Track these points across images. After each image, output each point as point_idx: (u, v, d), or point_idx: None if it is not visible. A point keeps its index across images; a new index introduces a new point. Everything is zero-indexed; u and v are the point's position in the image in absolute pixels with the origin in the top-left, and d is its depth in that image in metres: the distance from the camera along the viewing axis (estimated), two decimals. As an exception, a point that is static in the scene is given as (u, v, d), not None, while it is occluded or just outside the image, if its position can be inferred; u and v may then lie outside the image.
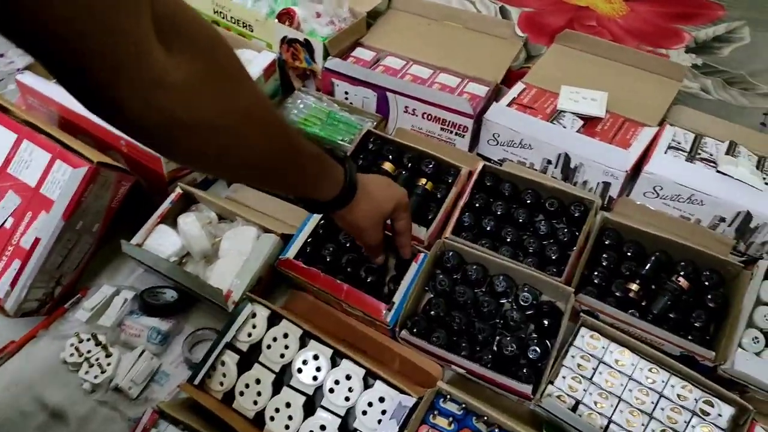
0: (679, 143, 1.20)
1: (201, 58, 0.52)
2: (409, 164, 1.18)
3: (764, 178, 1.11)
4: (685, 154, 1.18)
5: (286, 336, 0.91)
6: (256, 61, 1.29)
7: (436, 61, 1.41)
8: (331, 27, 1.42)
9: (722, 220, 1.12)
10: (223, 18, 1.48)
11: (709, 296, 0.99)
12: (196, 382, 0.89)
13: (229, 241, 1.05)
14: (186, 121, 0.52)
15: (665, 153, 1.17)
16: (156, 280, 1.09)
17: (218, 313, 1.01)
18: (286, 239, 1.06)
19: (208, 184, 1.26)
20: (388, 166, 1.16)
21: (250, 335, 0.92)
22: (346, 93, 1.36)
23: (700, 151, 1.18)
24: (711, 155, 1.17)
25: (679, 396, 0.88)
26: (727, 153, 1.16)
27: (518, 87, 1.36)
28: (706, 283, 1.01)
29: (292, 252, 1.04)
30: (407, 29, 1.50)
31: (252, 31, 1.46)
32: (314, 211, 0.85)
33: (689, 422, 0.87)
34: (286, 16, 1.45)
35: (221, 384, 0.90)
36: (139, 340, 1.00)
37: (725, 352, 0.91)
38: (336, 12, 1.45)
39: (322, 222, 1.09)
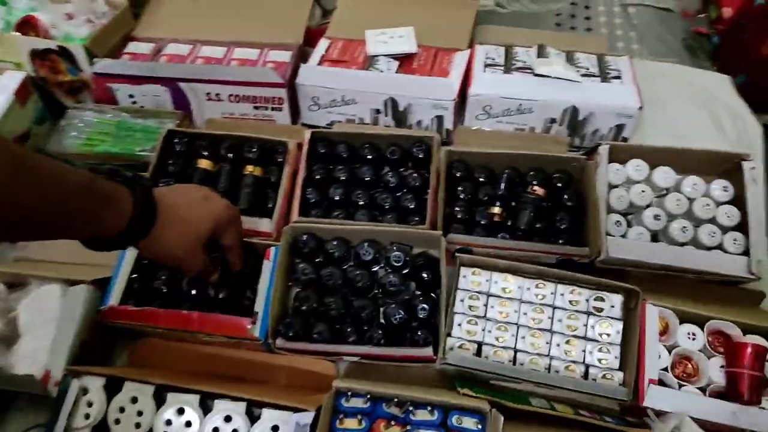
0: (493, 59, 1.18)
1: None
2: (229, 155, 1.02)
3: (578, 71, 1.12)
4: (502, 67, 1.16)
5: (135, 401, 0.72)
6: (1, 86, 1.03)
7: (226, 36, 1.25)
8: (89, 26, 1.19)
9: (553, 121, 1.12)
10: (-55, 46, 1.17)
11: (565, 196, 0.99)
12: (34, 501, 0.68)
13: (27, 311, 0.83)
14: None
15: (483, 72, 1.15)
16: (-54, 393, 0.83)
17: (43, 403, 0.79)
18: (104, 284, 0.85)
19: (-15, 250, 0.99)
20: (204, 163, 0.99)
21: (88, 417, 0.72)
22: (132, 96, 1.15)
23: (514, 62, 1.18)
24: (525, 62, 1.17)
25: (570, 302, 0.86)
26: (539, 56, 1.16)
27: (323, 44, 1.25)
28: (559, 185, 1.00)
29: (115, 297, 0.84)
30: (182, 9, 1.31)
31: (-11, 53, 1.17)
32: (105, 249, 0.67)
33: (587, 324, 0.85)
34: (27, 26, 1.18)
35: (70, 489, 0.70)
36: (-58, 477, 0.75)
37: (597, 243, 0.91)
38: (90, 7, 1.21)
39: (144, 250, 0.90)
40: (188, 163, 1.01)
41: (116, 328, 0.85)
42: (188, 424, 0.72)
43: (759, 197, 0.94)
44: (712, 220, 0.94)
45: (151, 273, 0.89)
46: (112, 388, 0.74)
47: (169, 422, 0.72)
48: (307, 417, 0.70)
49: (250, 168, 0.99)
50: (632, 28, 1.44)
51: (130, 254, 0.88)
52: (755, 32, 1.55)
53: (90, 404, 0.72)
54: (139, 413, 0.72)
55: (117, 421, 0.72)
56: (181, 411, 0.72)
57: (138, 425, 0.72)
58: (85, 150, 1.07)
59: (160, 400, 0.74)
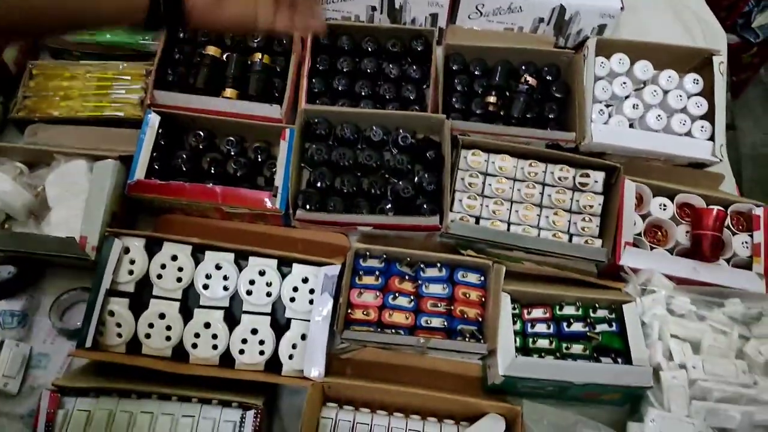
0: (485, -42, 1.22)
1: None
2: (233, 44, 1.04)
3: (566, -29, 1.18)
4: (494, -34, 1.20)
5: (175, 258, 0.79)
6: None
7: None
8: None
9: (541, 20, 1.18)
10: None
11: (554, 87, 1.07)
12: (88, 344, 0.75)
13: (55, 186, 0.86)
14: None
15: (477, -30, 1.18)
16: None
17: (78, 270, 0.84)
18: (128, 161, 0.89)
19: (-7, 135, 1.00)
20: (212, 50, 1.02)
21: (131, 273, 0.78)
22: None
23: (506, -39, 1.22)
24: (516, -38, 1.21)
25: (559, 178, 0.95)
26: (529, -43, 1.20)
27: (316, -61, 1.24)
28: (549, 78, 1.08)
29: (139, 172, 0.89)
30: None
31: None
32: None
33: (573, 198, 0.95)
34: None
35: (119, 336, 0.77)
36: (-9, 332, 0.81)
37: (582, 130, 1.00)
38: None
39: (160, 131, 0.93)
40: (194, 51, 1.03)
41: (140, 201, 0.90)
42: (225, 277, 0.79)
43: (723, 90, 1.04)
44: (684, 110, 1.05)
45: (171, 151, 0.93)
46: (152, 249, 0.80)
47: (208, 275, 0.79)
48: (335, 269, 0.79)
49: (258, 55, 1.02)
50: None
51: (149, 134, 0.92)
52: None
53: (132, 262, 0.79)
54: (180, 269, 0.79)
55: (159, 276, 0.79)
56: (218, 267, 0.79)
57: (179, 280, 0.79)
58: (86, 39, 1.07)
59: (196, 260, 0.80)
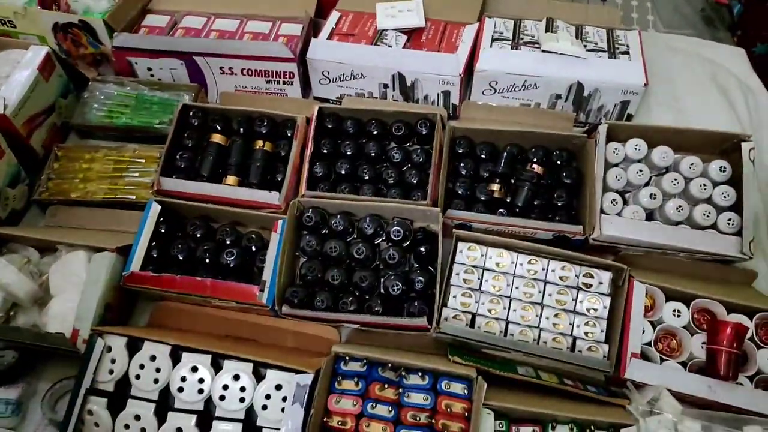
0: (501, 33, 1.19)
1: None
2: (240, 129, 1.07)
3: (585, 46, 1.13)
4: (509, 42, 1.17)
5: (153, 359, 0.80)
6: (25, 62, 1.08)
7: (240, 9, 1.28)
8: (107, 0, 1.23)
9: (558, 97, 1.14)
10: (-27, 19, 1.23)
11: (564, 173, 1.01)
12: (66, 443, 0.76)
13: (57, 275, 0.90)
14: None
15: (491, 47, 1.16)
16: (-13, 346, 0.92)
17: (72, 359, 0.87)
18: (126, 251, 0.92)
19: (18, 216, 1.07)
20: (218, 138, 1.05)
21: (111, 372, 0.80)
22: (150, 69, 1.19)
23: (522, 36, 1.18)
24: (533, 37, 1.17)
25: (561, 278, 0.90)
26: (546, 31, 1.17)
27: (334, 16, 1.27)
28: (558, 162, 1.03)
29: (136, 263, 0.91)
30: (197, -18, 1.33)
31: (14, 27, 1.22)
32: None
33: (576, 299, 0.89)
34: (49, 0, 1.22)
35: (96, 435, 0.78)
36: (-13, 420, 0.84)
37: (591, 221, 0.94)
38: (108, -19, 1.24)
39: (161, 220, 0.96)
40: (202, 137, 1.06)
41: (136, 291, 0.93)
42: (201, 380, 0.79)
43: (753, 178, 0.95)
44: (708, 200, 0.96)
45: (169, 241, 0.96)
46: (133, 347, 0.82)
47: (184, 378, 0.79)
48: (307, 378, 0.77)
49: (260, 143, 1.03)
50: (649, -2, 1.42)
51: (149, 223, 0.95)
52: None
53: (113, 361, 0.80)
54: (157, 370, 0.79)
55: (137, 377, 0.80)
56: (194, 369, 0.79)
57: (156, 380, 0.79)
58: (107, 122, 1.13)
59: (176, 359, 0.81)
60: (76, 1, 1.22)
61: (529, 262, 0.91)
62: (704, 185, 0.96)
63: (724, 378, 0.81)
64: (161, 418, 0.79)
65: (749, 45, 1.35)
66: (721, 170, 0.96)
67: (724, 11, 1.46)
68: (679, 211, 0.95)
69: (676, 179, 0.96)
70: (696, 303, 0.88)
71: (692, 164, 0.97)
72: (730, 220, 0.94)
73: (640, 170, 0.97)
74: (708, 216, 0.94)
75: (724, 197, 0.95)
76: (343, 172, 1.04)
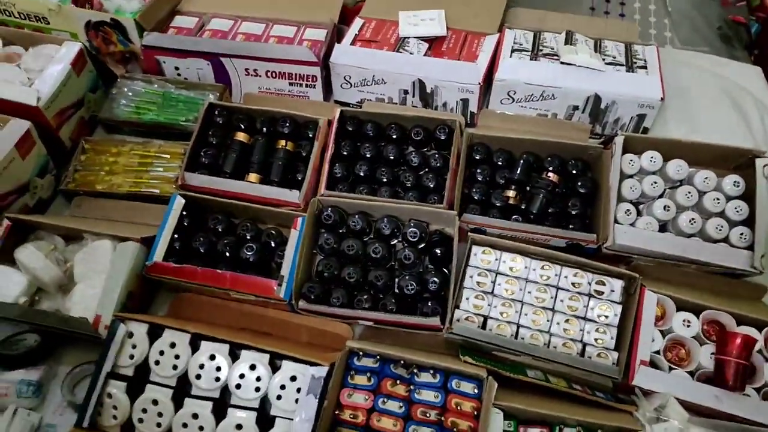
0: (521, 44, 1.21)
1: None
2: (264, 129, 1.10)
3: (603, 59, 1.15)
4: (529, 53, 1.19)
5: (173, 346, 0.82)
6: (59, 57, 1.12)
7: (266, 13, 1.31)
8: (139, 0, 1.27)
9: (576, 108, 1.16)
10: (10, 15, 1.27)
11: (579, 183, 1.03)
12: (85, 424, 0.79)
13: (82, 263, 0.93)
14: None
15: (510, 57, 1.18)
16: (12, 328, 0.95)
17: (93, 343, 0.90)
18: (149, 242, 0.95)
19: (44, 205, 1.10)
20: (241, 136, 1.07)
21: (132, 357, 0.82)
22: (177, 68, 1.23)
23: (541, 47, 1.20)
24: (552, 49, 1.20)
25: (573, 284, 0.91)
26: (566, 43, 1.19)
27: (357, 23, 1.30)
28: (573, 172, 1.04)
29: (159, 254, 0.94)
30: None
31: (48, 23, 1.26)
32: None
33: (588, 305, 0.90)
34: (83, -2, 1.26)
35: (114, 418, 0.81)
36: (8, 399, 0.87)
37: (605, 231, 0.95)
38: (140, -19, 1.28)
39: (185, 213, 0.99)
40: (226, 135, 1.09)
41: (158, 282, 0.95)
42: (218, 368, 0.81)
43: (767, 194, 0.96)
44: (721, 214, 0.97)
45: (191, 233, 0.98)
46: (154, 334, 0.84)
47: (202, 366, 0.81)
48: (322, 371, 0.79)
49: (282, 142, 1.06)
50: (667, 14, 1.44)
51: (173, 215, 0.97)
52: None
53: (134, 346, 0.83)
54: (177, 357, 0.82)
55: (157, 362, 0.82)
56: (212, 357, 0.82)
57: (175, 367, 0.82)
58: (134, 118, 1.16)
59: (194, 347, 0.83)
60: (108, 0, 1.26)
61: (543, 267, 0.92)
62: (717, 199, 0.97)
63: (732, 388, 0.82)
64: (178, 404, 0.81)
65: (766, 64, 1.37)
66: (734, 185, 0.97)
67: (741, 30, 1.48)
68: (692, 224, 0.96)
69: (690, 192, 0.97)
70: (706, 314, 0.89)
71: (706, 178, 0.98)
72: (742, 234, 0.95)
73: (655, 182, 0.99)
74: (720, 229, 0.95)
75: (737, 211, 0.96)
76: (361, 174, 1.06)
